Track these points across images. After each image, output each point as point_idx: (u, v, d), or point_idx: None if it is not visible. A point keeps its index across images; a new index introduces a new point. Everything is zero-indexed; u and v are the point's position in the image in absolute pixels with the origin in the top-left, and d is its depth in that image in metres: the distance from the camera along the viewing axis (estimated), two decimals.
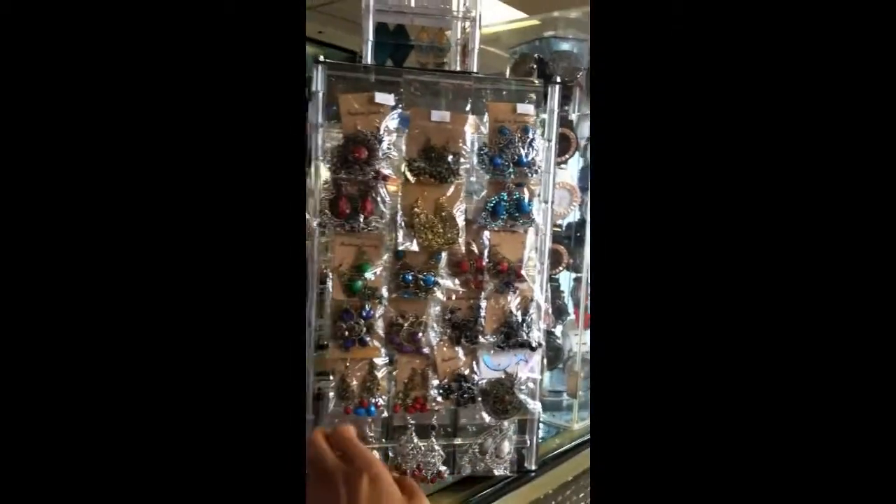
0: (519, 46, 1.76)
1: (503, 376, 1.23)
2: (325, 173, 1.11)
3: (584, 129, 1.70)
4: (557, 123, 1.25)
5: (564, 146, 1.64)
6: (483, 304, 1.20)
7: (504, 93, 1.20)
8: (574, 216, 1.72)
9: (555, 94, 1.23)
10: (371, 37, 1.22)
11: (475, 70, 1.25)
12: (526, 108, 1.19)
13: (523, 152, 1.18)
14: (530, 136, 1.18)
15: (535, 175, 1.20)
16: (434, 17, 1.27)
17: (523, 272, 1.20)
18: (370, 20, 1.21)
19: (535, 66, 1.68)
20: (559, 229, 1.69)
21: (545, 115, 1.25)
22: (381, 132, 1.10)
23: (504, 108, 1.18)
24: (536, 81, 1.22)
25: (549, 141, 1.23)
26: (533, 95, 1.21)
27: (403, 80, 1.13)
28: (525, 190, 1.20)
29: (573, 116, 1.67)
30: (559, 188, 1.64)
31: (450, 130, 1.14)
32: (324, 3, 3.82)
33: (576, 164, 1.72)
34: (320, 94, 1.11)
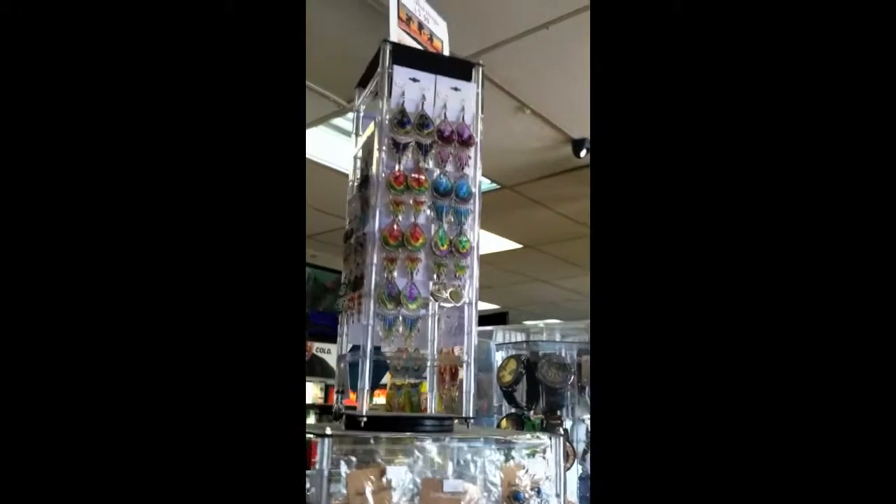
0: (504, 347, 1.80)
1: None
2: None
3: (581, 433, 1.69)
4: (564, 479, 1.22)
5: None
6: None
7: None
8: None
9: (559, 446, 1.22)
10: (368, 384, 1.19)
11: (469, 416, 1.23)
12: (536, 467, 1.16)
13: None
14: (543, 498, 1.14)
15: None
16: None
17: None
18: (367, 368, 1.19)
19: (523, 371, 1.71)
20: None
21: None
22: None
23: (515, 469, 1.16)
24: (540, 436, 1.22)
25: (559, 496, 1.19)
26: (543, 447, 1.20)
27: (415, 448, 1.10)
28: None
29: (567, 424, 1.67)
30: None
31: (462, 501, 1.09)
32: (319, 232, 4.15)
33: (574, 473, 1.67)
34: (325, 473, 1.06)
